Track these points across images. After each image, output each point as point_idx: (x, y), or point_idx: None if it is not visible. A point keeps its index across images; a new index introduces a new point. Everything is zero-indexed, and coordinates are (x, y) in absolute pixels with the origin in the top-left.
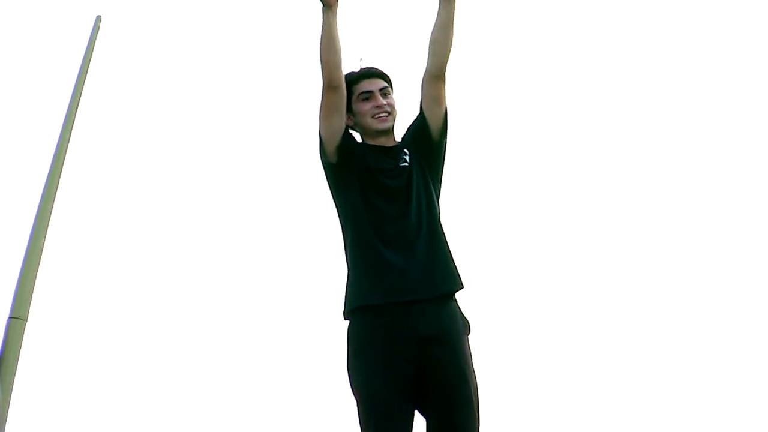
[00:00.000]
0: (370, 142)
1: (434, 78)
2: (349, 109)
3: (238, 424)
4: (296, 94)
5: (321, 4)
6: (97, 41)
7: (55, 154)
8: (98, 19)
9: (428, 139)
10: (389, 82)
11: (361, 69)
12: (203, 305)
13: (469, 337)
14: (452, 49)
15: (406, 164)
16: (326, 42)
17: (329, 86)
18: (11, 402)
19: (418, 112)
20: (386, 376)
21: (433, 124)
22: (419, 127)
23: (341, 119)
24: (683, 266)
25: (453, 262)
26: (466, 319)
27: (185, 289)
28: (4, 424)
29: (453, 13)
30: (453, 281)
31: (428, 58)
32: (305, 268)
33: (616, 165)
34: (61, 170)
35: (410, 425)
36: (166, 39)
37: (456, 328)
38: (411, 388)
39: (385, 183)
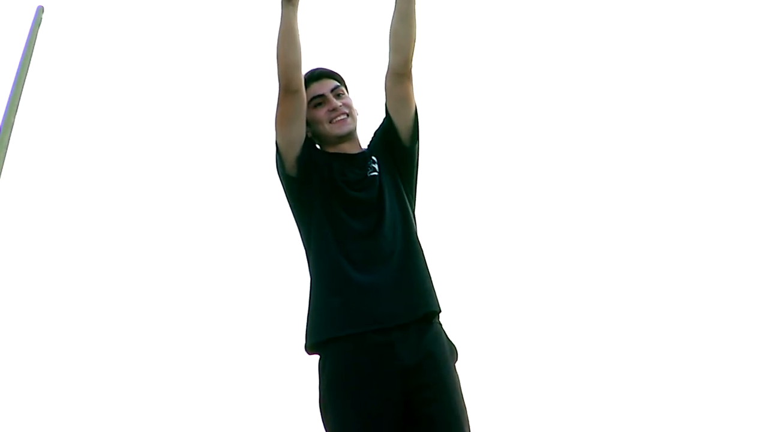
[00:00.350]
0: (332, 150)
1: (399, 76)
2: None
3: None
4: (250, 90)
5: None
6: (38, 33)
7: None
8: (40, 10)
9: (397, 144)
10: (341, 80)
11: (306, 73)
12: (193, 302)
13: (457, 363)
14: (416, 42)
15: (376, 173)
16: (284, 38)
17: (287, 89)
18: None
19: (384, 115)
20: (366, 417)
21: (402, 127)
22: (386, 130)
23: (301, 127)
24: (680, 274)
25: (431, 281)
26: (452, 343)
27: (169, 287)
28: None
29: (413, 1)
30: (434, 301)
31: (390, 55)
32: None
33: (604, 169)
34: (7, 146)
35: None
36: (110, 30)
37: (442, 353)
38: (395, 429)
39: (352, 196)
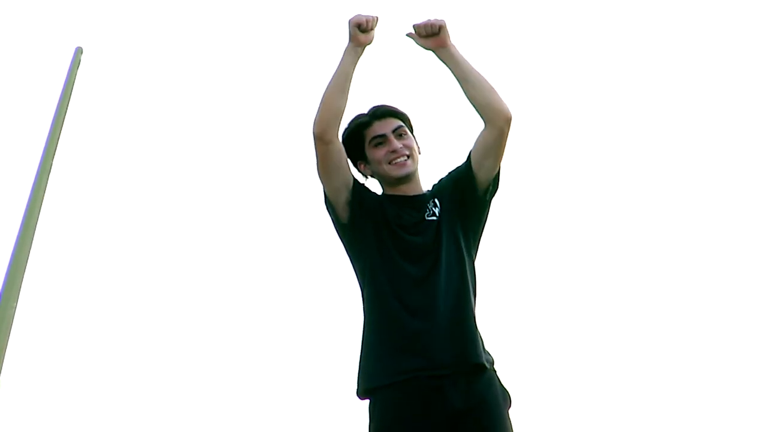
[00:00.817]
0: (390, 191)
1: (497, 128)
2: (363, 156)
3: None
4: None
5: (349, 36)
6: (77, 73)
7: (35, 183)
8: (79, 51)
9: (471, 193)
10: (405, 119)
11: (369, 110)
12: (192, 301)
13: (510, 410)
14: (494, 96)
15: (435, 218)
16: (339, 82)
17: (321, 139)
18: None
19: (464, 160)
20: None
21: (482, 178)
22: (462, 177)
23: (345, 173)
24: (678, 277)
25: (479, 333)
26: (506, 390)
27: (171, 288)
28: None
29: (461, 66)
30: (481, 353)
31: (481, 115)
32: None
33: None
34: (46, 184)
35: None
36: (147, 70)
37: (494, 400)
38: None
39: (408, 239)
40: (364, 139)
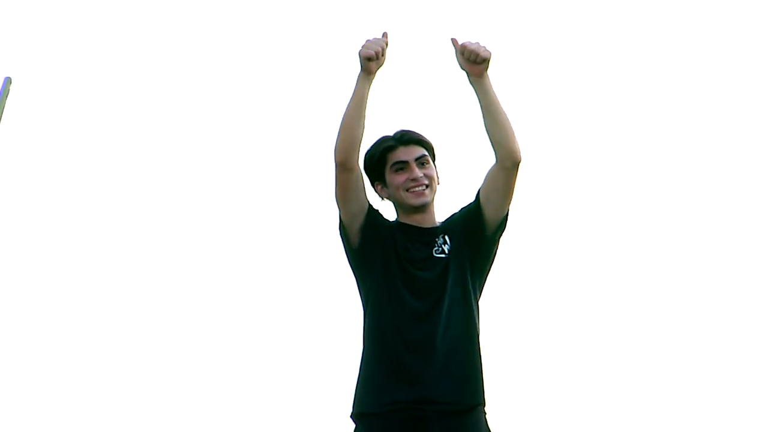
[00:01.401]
0: (404, 219)
1: (505, 169)
2: (382, 179)
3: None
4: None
5: (360, 67)
6: (6, 104)
7: None
8: (8, 81)
9: (479, 232)
10: (429, 148)
11: (396, 134)
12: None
13: None
14: (512, 134)
15: (443, 255)
16: (356, 110)
17: (343, 167)
18: None
19: (473, 198)
20: None
21: (490, 217)
22: (471, 215)
23: (362, 200)
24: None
25: (482, 373)
26: None
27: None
28: None
29: (489, 98)
30: (479, 394)
31: (493, 148)
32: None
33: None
34: None
35: None
36: (79, 99)
37: None
38: None
39: (413, 274)
40: (387, 162)
